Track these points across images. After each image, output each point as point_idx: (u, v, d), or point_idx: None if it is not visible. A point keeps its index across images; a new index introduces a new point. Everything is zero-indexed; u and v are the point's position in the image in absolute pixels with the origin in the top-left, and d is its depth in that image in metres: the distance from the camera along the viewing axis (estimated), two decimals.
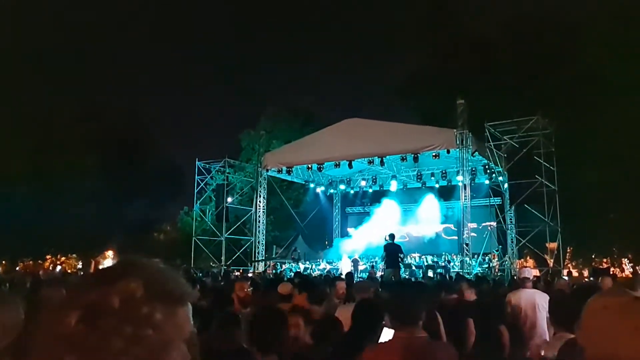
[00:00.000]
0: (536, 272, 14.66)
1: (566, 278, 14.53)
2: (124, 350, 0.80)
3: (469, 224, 17.25)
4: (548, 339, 4.49)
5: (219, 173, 22.19)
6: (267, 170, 21.37)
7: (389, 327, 3.23)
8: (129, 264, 0.92)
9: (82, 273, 22.90)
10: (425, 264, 19.77)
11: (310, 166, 20.37)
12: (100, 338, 0.80)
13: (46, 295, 4.74)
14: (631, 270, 24.70)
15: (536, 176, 15.98)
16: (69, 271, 24.78)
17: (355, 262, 19.88)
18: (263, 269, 20.36)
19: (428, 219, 24.42)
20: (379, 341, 3.23)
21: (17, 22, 32.49)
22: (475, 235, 20.13)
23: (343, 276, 14.91)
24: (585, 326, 1.30)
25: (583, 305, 1.39)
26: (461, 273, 14.74)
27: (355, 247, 22.54)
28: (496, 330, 5.71)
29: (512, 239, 18.75)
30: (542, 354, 3.28)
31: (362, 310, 3.72)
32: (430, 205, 24.13)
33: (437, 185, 23.09)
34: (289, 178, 23.14)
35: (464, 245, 16.86)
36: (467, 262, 16.64)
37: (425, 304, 3.27)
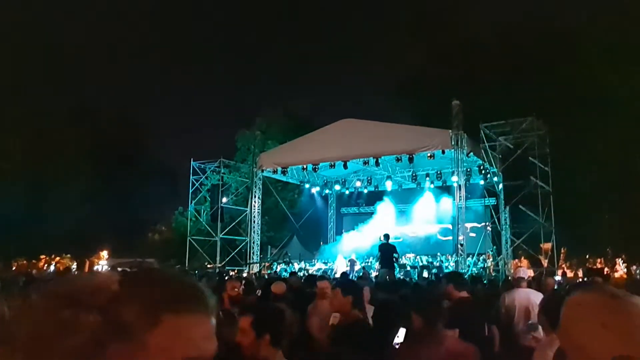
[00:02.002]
0: (530, 273, 14.70)
1: (559, 278, 14.62)
2: (54, 336, 0.70)
3: (467, 224, 17.31)
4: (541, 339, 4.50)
5: (214, 173, 22.15)
6: (262, 171, 21.34)
7: (403, 327, 3.32)
8: (133, 265, 0.81)
9: (76, 272, 22.83)
10: (420, 264, 19.80)
11: (305, 167, 20.37)
12: (30, 320, 0.73)
13: (33, 292, 4.80)
14: (625, 270, 24.81)
15: (530, 177, 16.05)
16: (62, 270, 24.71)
17: (352, 263, 19.87)
18: (258, 270, 20.35)
19: (426, 219, 24.35)
20: (396, 340, 3.30)
21: (14, 23, 32.35)
22: (475, 235, 20.17)
23: (338, 275, 14.96)
24: (562, 323, 1.30)
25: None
26: None
27: (352, 248, 22.53)
28: (488, 330, 5.74)
29: (506, 240, 18.79)
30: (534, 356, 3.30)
31: (383, 312, 3.79)
32: (428, 205, 24.09)
33: (432, 186, 23.15)
34: (284, 178, 23.13)
35: (459, 246, 16.89)
36: (462, 262, 16.68)
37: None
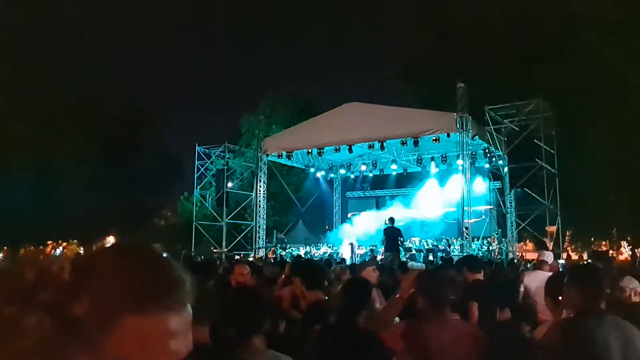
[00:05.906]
0: (534, 256, 14.69)
1: (562, 261, 14.62)
2: None
3: (472, 208, 17.27)
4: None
5: (219, 158, 22.17)
6: (267, 155, 21.34)
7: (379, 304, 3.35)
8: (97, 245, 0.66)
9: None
10: (425, 247, 19.84)
11: (310, 151, 20.33)
12: None
13: None
14: (630, 253, 24.79)
15: (536, 159, 15.98)
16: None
17: (351, 246, 19.88)
18: (264, 254, 20.47)
19: (431, 202, 24.23)
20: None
21: (16, 6, 32.20)
22: (480, 218, 20.12)
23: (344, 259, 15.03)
24: None
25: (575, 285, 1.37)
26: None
27: (357, 231, 22.57)
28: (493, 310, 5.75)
29: (511, 223, 18.79)
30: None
31: (352, 287, 3.81)
32: (433, 188, 23.94)
33: (437, 169, 23.06)
34: (289, 163, 23.10)
35: (464, 229, 16.89)
36: (467, 245, 16.69)
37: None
